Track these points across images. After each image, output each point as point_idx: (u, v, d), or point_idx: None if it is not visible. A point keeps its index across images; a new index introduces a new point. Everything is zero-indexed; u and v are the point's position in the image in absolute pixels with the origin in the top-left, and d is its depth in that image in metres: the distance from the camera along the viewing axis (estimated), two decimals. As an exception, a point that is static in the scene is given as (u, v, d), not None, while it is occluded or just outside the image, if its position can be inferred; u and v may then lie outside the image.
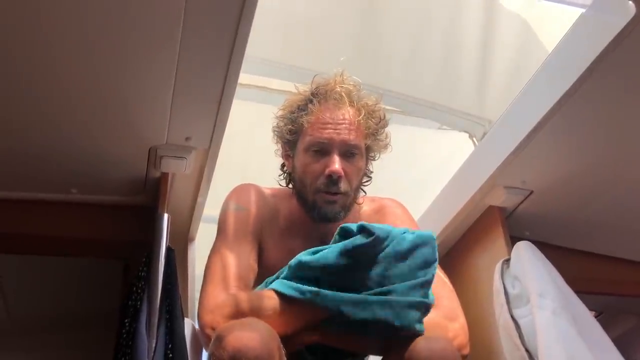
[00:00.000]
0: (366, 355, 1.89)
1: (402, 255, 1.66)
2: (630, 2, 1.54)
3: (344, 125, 1.84)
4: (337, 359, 1.76)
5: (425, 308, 1.67)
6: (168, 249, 1.87)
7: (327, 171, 1.82)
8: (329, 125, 1.84)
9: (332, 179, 1.82)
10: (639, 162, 2.00)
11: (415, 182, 3.53)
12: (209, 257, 1.84)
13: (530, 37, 3.20)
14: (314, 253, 1.67)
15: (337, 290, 1.63)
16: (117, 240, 2.14)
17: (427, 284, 1.69)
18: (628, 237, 2.30)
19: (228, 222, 1.88)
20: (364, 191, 1.94)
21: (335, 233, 1.70)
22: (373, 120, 1.89)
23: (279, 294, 1.66)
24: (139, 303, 1.80)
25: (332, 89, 1.88)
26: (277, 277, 1.74)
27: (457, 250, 2.38)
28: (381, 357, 1.77)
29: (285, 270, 1.74)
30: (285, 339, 1.60)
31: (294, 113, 1.89)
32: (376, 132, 1.90)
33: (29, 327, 3.04)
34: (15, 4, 1.42)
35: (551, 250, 2.12)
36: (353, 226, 1.67)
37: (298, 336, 1.67)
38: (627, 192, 2.11)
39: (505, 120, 2.17)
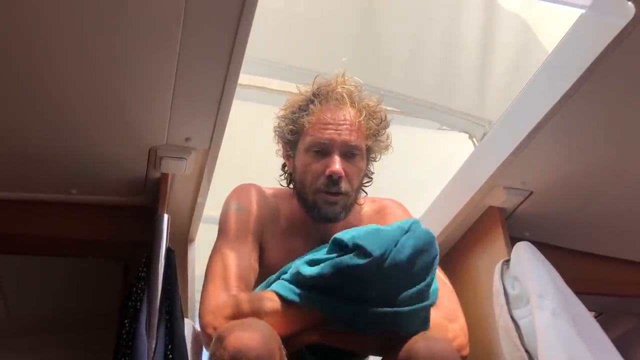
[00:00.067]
0: (366, 355, 1.89)
1: (403, 264, 1.63)
2: (630, 2, 1.54)
3: (345, 126, 1.85)
4: (337, 358, 1.76)
5: (428, 310, 1.68)
6: (168, 250, 1.87)
7: (327, 171, 1.82)
8: (330, 126, 1.84)
9: (333, 179, 1.82)
10: (639, 163, 2.00)
11: (415, 183, 3.54)
12: (210, 257, 1.84)
13: (530, 38, 3.20)
14: (313, 263, 1.67)
15: (338, 297, 1.63)
16: (117, 240, 2.14)
17: (428, 287, 1.69)
18: (628, 237, 2.30)
19: (229, 222, 1.88)
20: (365, 192, 1.94)
21: (330, 242, 1.69)
22: (374, 121, 1.89)
23: (279, 296, 1.66)
24: (139, 304, 1.80)
25: (333, 89, 1.88)
26: (279, 277, 1.75)
27: (457, 251, 2.38)
28: (381, 357, 1.77)
29: (287, 270, 1.74)
30: (286, 339, 1.61)
31: (295, 113, 1.90)
32: (377, 133, 1.91)
33: (29, 327, 3.04)
34: (13, 4, 1.42)
35: (551, 251, 2.12)
36: (347, 237, 1.65)
37: (298, 336, 1.68)
38: (627, 193, 2.11)
39: (505, 121, 2.17)
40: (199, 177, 2.04)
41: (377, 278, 1.62)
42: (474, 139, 3.44)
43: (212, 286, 1.75)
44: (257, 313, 1.64)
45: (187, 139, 1.88)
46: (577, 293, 2.04)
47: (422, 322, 1.67)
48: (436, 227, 2.37)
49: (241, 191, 1.95)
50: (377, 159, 1.95)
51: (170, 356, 1.72)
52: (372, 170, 1.96)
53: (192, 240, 2.31)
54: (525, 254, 2.05)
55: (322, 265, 1.64)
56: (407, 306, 1.65)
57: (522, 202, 2.18)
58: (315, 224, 1.88)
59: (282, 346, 1.56)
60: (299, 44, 3.14)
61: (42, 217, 2.08)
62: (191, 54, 1.58)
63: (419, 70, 3.32)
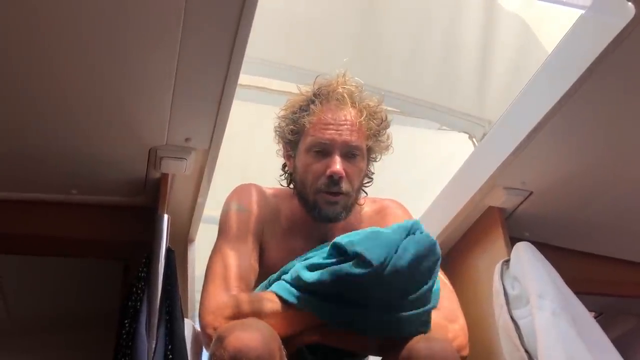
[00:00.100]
0: (366, 355, 1.89)
1: (403, 270, 1.61)
2: (630, 3, 1.54)
3: (345, 126, 1.85)
4: (337, 358, 1.76)
5: (429, 314, 1.68)
6: (168, 250, 1.87)
7: (328, 172, 1.82)
8: (331, 126, 1.84)
9: (334, 180, 1.82)
10: (639, 163, 2.00)
11: (415, 183, 3.53)
12: (210, 257, 1.84)
13: (530, 38, 3.20)
14: (313, 268, 1.66)
15: (338, 302, 1.63)
16: (117, 241, 2.14)
17: (430, 291, 1.68)
18: (628, 238, 2.30)
19: (229, 222, 1.88)
20: (365, 192, 1.94)
21: (330, 246, 1.69)
22: (375, 121, 1.89)
23: (279, 298, 1.66)
24: (138, 304, 1.80)
25: (334, 89, 1.88)
26: (280, 277, 1.75)
27: (457, 251, 2.38)
28: (381, 357, 1.77)
29: (288, 270, 1.74)
30: (286, 339, 1.61)
31: (295, 113, 1.90)
32: (378, 134, 1.91)
33: (29, 327, 3.04)
34: (13, 4, 1.42)
35: (551, 251, 2.12)
36: (346, 243, 1.63)
37: (298, 336, 1.69)
38: (626, 193, 2.11)
39: (505, 121, 2.17)
40: (199, 177, 2.04)
41: (377, 285, 1.61)
42: (474, 139, 3.44)
43: (212, 286, 1.75)
44: (257, 314, 1.64)
45: (187, 139, 1.88)
46: (577, 293, 2.04)
47: (423, 324, 1.68)
48: (436, 227, 2.37)
49: (241, 191, 1.95)
50: (377, 159, 1.95)
51: (170, 356, 1.72)
52: (373, 171, 1.96)
53: (192, 240, 2.31)
54: (525, 254, 2.05)
55: (321, 271, 1.64)
56: (408, 311, 1.65)
57: (522, 202, 2.18)
58: (315, 223, 1.88)
59: (282, 346, 1.57)
60: (299, 44, 3.14)
61: (42, 217, 2.08)
62: (191, 54, 1.58)
63: (418, 70, 3.32)
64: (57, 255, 2.24)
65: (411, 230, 1.69)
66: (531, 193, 2.15)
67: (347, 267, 1.61)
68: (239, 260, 1.80)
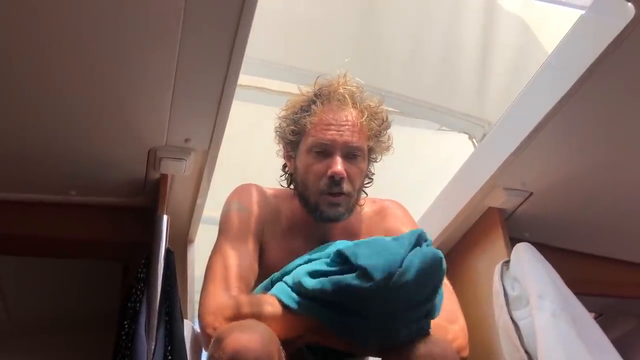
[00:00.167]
0: (366, 355, 1.89)
1: (407, 286, 1.59)
2: (630, 3, 1.54)
3: (346, 127, 1.84)
4: (337, 358, 1.76)
5: (429, 322, 1.67)
6: (167, 251, 1.87)
7: (329, 172, 1.81)
8: (332, 127, 1.84)
9: (335, 180, 1.81)
10: (639, 164, 1.99)
11: (414, 183, 3.53)
12: (210, 257, 1.84)
13: (530, 38, 3.20)
14: (315, 274, 1.65)
15: (339, 311, 1.63)
16: (116, 241, 2.13)
17: (433, 305, 1.67)
18: (628, 238, 2.30)
19: (230, 222, 1.88)
20: (365, 192, 1.94)
21: (334, 253, 1.67)
22: (376, 122, 1.89)
23: (280, 302, 1.66)
24: (138, 305, 1.80)
25: (335, 90, 1.88)
26: (281, 277, 1.74)
27: (457, 252, 2.38)
28: (381, 358, 1.77)
29: (289, 270, 1.74)
30: (286, 340, 1.61)
31: (296, 114, 1.89)
32: (379, 134, 1.90)
33: (28, 328, 3.03)
34: (11, 3, 1.42)
35: (551, 252, 2.12)
36: (350, 254, 1.61)
37: (298, 337, 1.68)
38: (627, 194, 2.11)
39: (505, 122, 2.17)
40: (199, 178, 2.04)
41: (378, 299, 1.59)
42: (474, 140, 3.44)
43: (212, 286, 1.75)
44: (257, 316, 1.64)
45: (186, 140, 1.88)
46: (577, 294, 2.04)
47: (423, 332, 1.67)
48: (436, 228, 2.37)
49: (242, 191, 1.95)
50: (378, 160, 1.95)
51: (170, 357, 1.72)
52: (373, 171, 1.96)
53: (192, 241, 2.31)
54: (525, 255, 2.05)
55: (323, 280, 1.62)
56: (409, 323, 1.64)
57: (522, 203, 2.18)
58: (315, 224, 1.88)
59: (281, 348, 1.56)
60: (298, 44, 3.14)
61: (41, 218, 2.08)
62: (191, 54, 1.57)
63: (418, 70, 3.32)
64: (57, 256, 2.24)
65: (417, 242, 1.66)
66: (531, 194, 2.15)
67: (349, 279, 1.59)
68: (239, 260, 1.80)
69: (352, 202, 1.87)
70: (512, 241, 2.15)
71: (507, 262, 2.10)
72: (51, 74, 1.62)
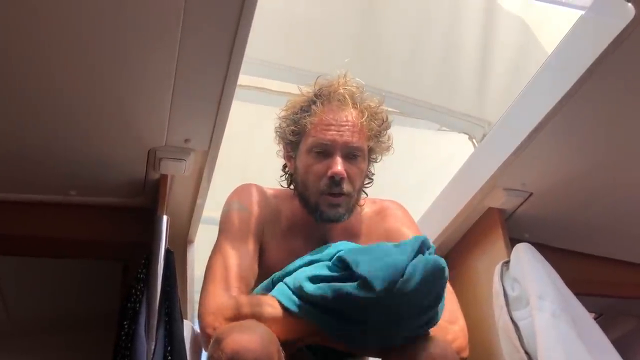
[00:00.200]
0: (366, 356, 1.89)
1: (409, 296, 1.58)
2: (630, 4, 1.54)
3: (346, 127, 1.84)
4: (337, 358, 1.76)
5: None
6: (167, 251, 1.87)
7: (329, 172, 1.81)
8: (332, 127, 1.84)
9: (335, 180, 1.81)
10: (639, 164, 1.99)
11: (414, 184, 3.53)
12: (211, 257, 1.84)
13: (530, 38, 3.20)
14: (316, 279, 1.65)
15: (339, 317, 1.62)
16: (116, 242, 2.13)
17: (436, 312, 1.67)
18: (628, 239, 2.30)
19: (230, 222, 1.88)
20: (365, 193, 1.94)
21: (336, 258, 1.67)
22: (376, 122, 1.89)
23: (280, 304, 1.66)
24: (138, 305, 1.80)
25: (335, 90, 1.87)
26: (282, 277, 1.74)
27: (457, 252, 2.38)
28: (381, 359, 1.77)
29: (290, 270, 1.74)
30: (285, 341, 1.61)
31: (296, 114, 1.89)
32: (379, 134, 1.90)
33: (28, 328, 3.04)
34: (11, 3, 1.42)
35: (551, 252, 2.12)
36: (352, 261, 1.61)
37: (298, 339, 1.68)
38: (627, 194, 2.11)
39: (505, 122, 2.17)
40: (199, 178, 2.04)
41: (380, 308, 1.59)
42: (474, 140, 3.44)
43: (212, 286, 1.75)
44: (257, 317, 1.64)
45: (186, 140, 1.88)
46: (577, 294, 2.04)
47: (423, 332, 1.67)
48: (436, 228, 2.37)
49: (242, 191, 1.95)
50: (378, 160, 1.95)
51: (169, 358, 1.72)
52: (373, 171, 1.96)
53: (192, 241, 2.31)
54: (525, 256, 2.05)
55: (324, 287, 1.62)
56: (410, 330, 1.63)
57: (521, 204, 2.18)
58: (315, 224, 1.88)
59: (281, 348, 1.56)
60: (298, 44, 3.14)
61: (41, 218, 2.08)
62: (190, 54, 1.57)
63: (418, 71, 3.32)
64: (56, 257, 2.24)
65: (420, 249, 1.65)
66: (531, 194, 2.15)
67: (350, 288, 1.58)
68: (239, 260, 1.80)
69: (352, 202, 1.87)
70: (512, 241, 2.15)
71: (507, 263, 2.10)
72: (51, 74, 1.62)
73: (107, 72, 1.62)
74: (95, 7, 1.45)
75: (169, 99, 1.69)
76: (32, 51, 1.54)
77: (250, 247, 1.85)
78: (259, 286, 1.81)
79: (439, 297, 1.66)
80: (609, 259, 2.36)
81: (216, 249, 1.85)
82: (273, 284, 1.76)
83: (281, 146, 1.95)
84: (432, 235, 2.35)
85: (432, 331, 1.68)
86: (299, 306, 1.64)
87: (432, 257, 1.63)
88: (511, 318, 1.97)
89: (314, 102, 1.87)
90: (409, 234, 1.90)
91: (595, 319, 2.33)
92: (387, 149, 1.94)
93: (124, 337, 1.78)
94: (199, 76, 1.67)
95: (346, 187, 1.82)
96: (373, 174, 1.95)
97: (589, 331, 1.97)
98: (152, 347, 1.71)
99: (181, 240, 2.25)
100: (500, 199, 2.16)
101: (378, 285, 1.55)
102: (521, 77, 2.65)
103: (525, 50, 3.22)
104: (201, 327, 1.72)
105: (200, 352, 1.89)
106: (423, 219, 2.48)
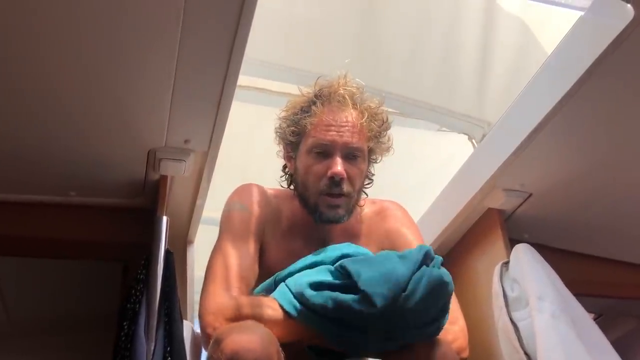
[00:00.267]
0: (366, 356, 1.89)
1: (411, 310, 1.58)
2: (629, 5, 1.54)
3: (346, 128, 1.84)
4: (337, 358, 1.76)
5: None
6: (167, 252, 1.87)
7: (329, 173, 1.81)
8: (332, 128, 1.84)
9: (335, 181, 1.81)
10: (639, 165, 1.99)
11: (414, 184, 3.53)
12: (211, 256, 1.84)
13: (530, 39, 3.20)
14: (317, 287, 1.65)
15: (339, 325, 1.62)
16: (116, 242, 2.13)
17: (440, 323, 1.67)
18: (628, 239, 2.30)
19: (231, 222, 1.88)
20: (365, 193, 1.94)
21: (337, 265, 1.67)
22: (376, 122, 1.89)
23: (281, 307, 1.66)
24: (137, 306, 1.80)
25: (335, 91, 1.88)
26: (285, 278, 1.74)
27: (456, 253, 2.38)
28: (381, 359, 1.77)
29: (294, 271, 1.74)
30: (285, 343, 1.61)
31: (297, 115, 1.89)
32: (379, 135, 1.90)
33: (28, 329, 3.03)
34: (10, 3, 1.42)
35: (550, 253, 2.12)
36: (354, 272, 1.61)
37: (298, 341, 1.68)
38: (627, 195, 2.11)
39: (505, 123, 2.17)
40: (198, 179, 2.04)
41: (380, 322, 1.59)
42: (474, 141, 3.44)
43: (212, 286, 1.75)
44: (257, 318, 1.64)
45: (186, 141, 1.88)
46: (577, 295, 2.04)
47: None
48: (435, 229, 2.37)
49: (243, 191, 1.95)
50: (378, 161, 1.95)
51: (169, 358, 1.72)
52: (373, 172, 1.96)
53: (191, 242, 2.31)
54: (524, 256, 2.05)
55: (325, 296, 1.62)
56: (412, 339, 1.63)
57: (521, 204, 2.17)
58: (315, 225, 1.88)
59: (280, 349, 1.56)
60: (298, 45, 3.14)
61: (40, 219, 2.08)
62: (190, 54, 1.57)
63: (418, 71, 3.32)
64: (56, 257, 2.23)
65: (424, 261, 1.64)
66: (530, 195, 2.15)
67: (351, 301, 1.58)
68: (239, 260, 1.80)
69: (352, 203, 1.87)
70: (512, 242, 2.15)
71: (506, 263, 2.10)
72: (50, 75, 1.62)
73: (107, 72, 1.62)
74: (94, 6, 1.45)
75: (168, 99, 1.69)
76: (30, 51, 1.54)
77: (251, 247, 1.85)
78: (260, 286, 1.81)
79: (444, 310, 1.65)
80: (608, 259, 2.36)
81: (217, 249, 1.85)
82: (275, 284, 1.76)
83: (281, 147, 1.96)
84: (431, 235, 2.35)
85: (432, 332, 1.68)
86: (299, 311, 1.64)
87: (435, 272, 1.63)
88: (511, 319, 1.97)
89: (314, 103, 1.87)
90: (408, 234, 1.91)
91: (594, 319, 2.33)
92: (387, 149, 1.94)
93: (123, 338, 1.78)
94: (199, 76, 1.67)
95: (346, 187, 1.82)
96: (373, 175, 1.96)
97: (589, 332, 1.97)
98: (152, 348, 1.71)
99: (181, 241, 2.25)
100: (499, 199, 2.16)
101: (379, 301, 1.55)
102: (521, 78, 2.65)
103: (525, 51, 3.22)
104: (201, 327, 1.72)
105: (200, 352, 1.89)
106: (423, 219, 2.48)
